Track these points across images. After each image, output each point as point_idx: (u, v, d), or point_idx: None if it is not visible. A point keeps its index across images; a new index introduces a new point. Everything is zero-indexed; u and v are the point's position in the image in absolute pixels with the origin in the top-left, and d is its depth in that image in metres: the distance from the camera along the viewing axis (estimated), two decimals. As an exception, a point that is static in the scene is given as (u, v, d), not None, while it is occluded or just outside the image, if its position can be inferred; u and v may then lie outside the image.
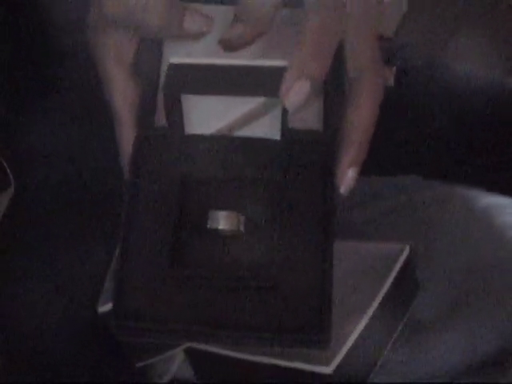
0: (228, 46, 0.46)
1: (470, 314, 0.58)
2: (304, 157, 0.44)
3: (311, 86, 0.42)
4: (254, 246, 0.42)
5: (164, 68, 0.45)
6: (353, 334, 0.51)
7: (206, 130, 0.45)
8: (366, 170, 0.71)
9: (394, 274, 0.52)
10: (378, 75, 0.46)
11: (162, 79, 0.44)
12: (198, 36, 0.48)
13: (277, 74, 0.42)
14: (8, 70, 0.56)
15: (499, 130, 0.76)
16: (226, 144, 0.44)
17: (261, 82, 0.42)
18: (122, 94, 0.48)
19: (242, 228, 0.42)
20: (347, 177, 0.45)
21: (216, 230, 0.42)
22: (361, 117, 0.45)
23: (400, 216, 0.65)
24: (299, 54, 0.43)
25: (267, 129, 0.44)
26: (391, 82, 0.48)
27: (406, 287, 0.55)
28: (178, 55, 0.44)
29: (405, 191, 0.67)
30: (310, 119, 0.45)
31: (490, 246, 0.61)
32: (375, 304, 0.52)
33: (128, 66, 0.49)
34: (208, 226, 0.42)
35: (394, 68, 0.47)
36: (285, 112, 0.43)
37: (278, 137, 0.44)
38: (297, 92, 0.42)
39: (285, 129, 0.44)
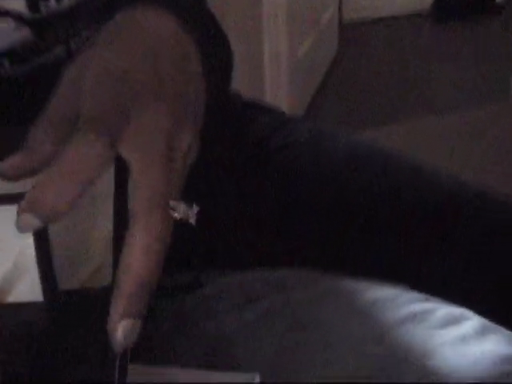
0: None
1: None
2: (72, 313, 0.43)
3: None
4: None
5: None
6: None
7: None
8: (239, 265, 0.66)
9: None
10: (153, 219, 0.40)
11: None
12: None
13: None
14: None
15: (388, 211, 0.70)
16: None
17: None
18: None
19: None
20: (119, 331, 0.39)
21: None
22: (131, 264, 0.39)
23: (276, 318, 0.58)
24: None
25: (30, 292, 0.43)
26: (193, 220, 0.43)
27: None
28: None
29: (283, 289, 0.61)
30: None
31: (373, 347, 0.54)
32: None
33: None
34: None
35: (195, 206, 0.43)
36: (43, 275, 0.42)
37: (41, 298, 0.42)
38: None
39: (47, 290, 0.42)
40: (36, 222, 0.38)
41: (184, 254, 0.64)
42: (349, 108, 2.83)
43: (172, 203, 0.41)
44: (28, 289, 0.42)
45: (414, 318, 0.56)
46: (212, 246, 0.69)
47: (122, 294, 0.39)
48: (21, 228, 0.38)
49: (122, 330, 0.38)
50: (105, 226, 0.42)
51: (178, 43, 0.49)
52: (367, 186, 0.73)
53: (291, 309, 0.59)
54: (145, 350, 0.47)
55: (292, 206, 0.72)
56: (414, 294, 0.59)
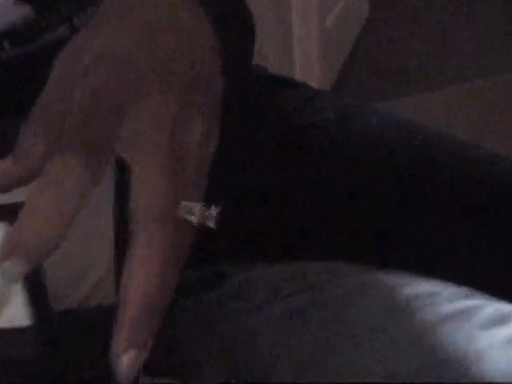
0: None
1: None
2: (66, 336, 0.38)
3: None
4: None
5: None
6: None
7: None
8: (265, 257, 0.60)
9: None
10: (154, 229, 0.34)
11: None
12: None
13: None
14: None
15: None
16: None
17: None
18: None
19: None
20: (123, 363, 0.33)
21: None
22: (132, 285, 0.33)
23: (307, 316, 0.53)
24: None
25: (16, 317, 0.38)
26: (212, 223, 0.37)
27: None
28: None
29: (313, 284, 0.55)
30: None
31: (411, 347, 0.50)
32: None
33: None
34: None
35: (213, 207, 0.37)
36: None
37: (27, 322, 0.38)
38: None
39: (36, 313, 0.38)
40: (24, 267, 0.32)
41: (204, 247, 0.60)
42: (380, 75, 2.76)
43: (186, 205, 0.36)
44: (16, 313, 0.37)
45: (459, 315, 0.51)
46: (234, 238, 0.64)
47: (125, 321, 0.33)
48: (8, 279, 0.32)
49: (126, 361, 0.33)
50: (106, 234, 0.37)
51: (185, 12, 0.43)
52: (398, 164, 0.68)
53: (323, 306, 0.54)
54: (162, 349, 0.43)
55: (322, 190, 0.66)
56: (458, 290, 0.53)
